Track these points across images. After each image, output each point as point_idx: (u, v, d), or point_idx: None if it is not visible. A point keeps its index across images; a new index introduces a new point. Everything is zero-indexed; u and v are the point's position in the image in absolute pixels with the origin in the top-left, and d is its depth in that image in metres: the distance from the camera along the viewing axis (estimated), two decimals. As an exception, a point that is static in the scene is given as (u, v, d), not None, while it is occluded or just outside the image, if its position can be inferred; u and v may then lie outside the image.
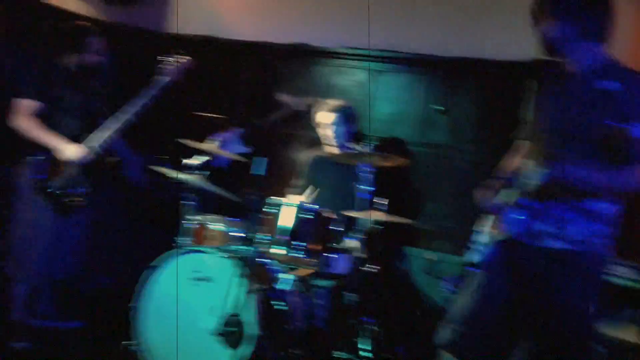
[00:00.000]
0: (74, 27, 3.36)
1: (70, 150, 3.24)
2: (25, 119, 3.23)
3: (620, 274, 3.13)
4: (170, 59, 3.42)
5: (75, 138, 3.29)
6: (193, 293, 3.03)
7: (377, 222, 3.38)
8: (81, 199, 3.32)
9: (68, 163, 3.25)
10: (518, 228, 2.28)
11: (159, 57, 3.39)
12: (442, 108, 4.04)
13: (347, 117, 3.85)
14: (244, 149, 4.50)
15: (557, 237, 2.20)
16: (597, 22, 2.15)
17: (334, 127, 3.79)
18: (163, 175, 3.49)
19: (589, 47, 2.17)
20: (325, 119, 3.82)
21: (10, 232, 3.42)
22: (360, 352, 3.07)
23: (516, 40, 3.99)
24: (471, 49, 4.11)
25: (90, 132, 3.32)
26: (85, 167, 3.30)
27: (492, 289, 2.34)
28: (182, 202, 3.40)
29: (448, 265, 3.92)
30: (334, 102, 3.88)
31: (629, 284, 3.09)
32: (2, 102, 3.37)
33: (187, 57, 3.46)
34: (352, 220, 3.38)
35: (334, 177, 3.86)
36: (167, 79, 3.39)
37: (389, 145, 4.21)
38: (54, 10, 4.27)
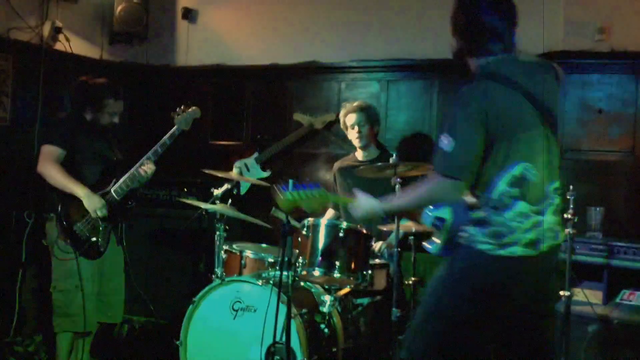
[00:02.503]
0: (94, 86, 3.43)
1: (93, 201, 3.29)
2: (50, 164, 3.29)
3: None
4: (180, 110, 3.50)
5: (95, 187, 3.36)
6: (236, 324, 3.03)
7: (410, 233, 3.37)
8: (104, 240, 3.37)
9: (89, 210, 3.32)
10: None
11: (172, 113, 3.48)
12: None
13: (370, 116, 3.85)
14: (263, 174, 4.52)
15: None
16: (473, 41, 2.28)
17: (358, 127, 3.80)
18: (192, 207, 3.51)
19: (472, 62, 2.30)
20: (349, 119, 3.83)
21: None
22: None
23: (530, 35, 4.01)
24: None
25: (108, 181, 3.39)
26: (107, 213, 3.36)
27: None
28: (215, 232, 3.40)
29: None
30: (355, 103, 3.88)
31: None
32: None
33: (195, 107, 3.54)
34: (385, 234, 3.37)
35: (360, 185, 3.85)
36: (179, 129, 3.47)
37: (411, 154, 4.20)
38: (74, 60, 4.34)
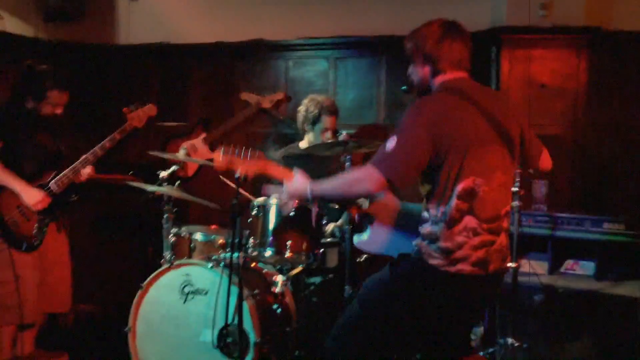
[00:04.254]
0: (39, 75, 3.27)
1: (30, 195, 3.19)
2: None
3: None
4: (134, 107, 3.40)
5: (33, 179, 3.25)
6: (187, 308, 2.97)
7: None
8: (40, 233, 3.27)
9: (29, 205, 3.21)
10: None
11: (124, 109, 3.38)
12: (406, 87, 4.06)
13: (338, 116, 3.79)
14: (211, 155, 4.43)
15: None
16: (435, 65, 2.31)
17: (331, 132, 3.73)
18: (139, 191, 3.41)
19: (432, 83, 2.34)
20: (329, 123, 3.71)
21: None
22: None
23: (476, 11, 4.05)
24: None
25: (50, 174, 3.29)
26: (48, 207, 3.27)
27: None
28: (162, 215, 3.32)
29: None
30: (332, 103, 3.77)
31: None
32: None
33: (151, 104, 3.43)
34: (336, 212, 3.36)
35: (307, 171, 3.82)
36: (132, 125, 3.40)
37: (360, 131, 4.19)
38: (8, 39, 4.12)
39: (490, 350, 3.29)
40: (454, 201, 2.14)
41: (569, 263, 3.49)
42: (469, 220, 2.14)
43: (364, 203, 2.64)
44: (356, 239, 2.66)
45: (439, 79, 2.28)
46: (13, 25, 4.31)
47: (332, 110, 3.70)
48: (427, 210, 2.21)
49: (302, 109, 3.77)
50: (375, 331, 2.26)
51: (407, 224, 2.52)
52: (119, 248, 4.18)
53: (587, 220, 3.37)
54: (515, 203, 3.18)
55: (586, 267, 3.41)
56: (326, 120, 3.69)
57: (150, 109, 3.48)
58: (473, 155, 2.15)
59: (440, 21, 2.32)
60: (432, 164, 2.14)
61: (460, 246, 2.14)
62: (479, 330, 3.45)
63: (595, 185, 4.01)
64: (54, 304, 3.48)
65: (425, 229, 2.20)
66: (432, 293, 2.19)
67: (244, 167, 2.51)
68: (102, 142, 3.34)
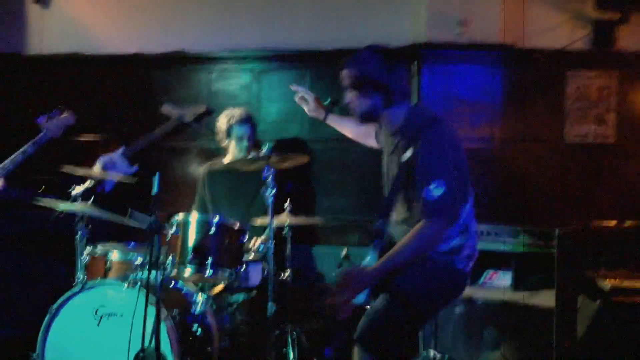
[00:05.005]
0: None
1: None
2: None
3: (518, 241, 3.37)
4: (52, 115, 3.23)
5: None
6: (101, 331, 2.83)
7: (282, 226, 3.32)
8: None
9: None
10: None
11: (40, 116, 3.26)
12: (330, 100, 4.08)
13: (254, 126, 3.76)
14: (130, 169, 4.27)
15: None
16: (388, 94, 2.41)
17: (245, 140, 3.68)
18: (50, 209, 3.22)
19: (393, 111, 2.45)
20: (236, 131, 3.68)
21: None
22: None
23: (397, 27, 4.11)
24: (354, 39, 4.11)
25: None
26: None
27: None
28: (75, 234, 3.15)
29: (359, 257, 3.95)
30: (241, 113, 3.74)
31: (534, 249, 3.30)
32: None
33: (70, 112, 3.26)
34: (257, 229, 3.30)
35: (231, 187, 3.76)
36: (48, 135, 3.27)
37: (284, 145, 4.15)
38: None
39: (415, 360, 3.32)
40: (464, 212, 2.41)
41: (488, 273, 3.56)
42: (475, 226, 2.51)
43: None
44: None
45: (395, 111, 2.40)
46: None
47: (244, 119, 3.71)
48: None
49: (217, 123, 3.74)
50: (407, 320, 2.40)
51: None
52: (29, 268, 3.94)
53: (504, 231, 3.45)
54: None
55: (504, 278, 3.49)
56: (237, 130, 3.69)
57: (67, 118, 3.32)
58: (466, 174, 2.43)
59: (379, 49, 2.40)
60: None
61: (475, 248, 2.51)
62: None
63: (514, 196, 4.13)
64: None
65: (453, 244, 2.42)
66: (458, 290, 2.55)
67: None
68: (15, 154, 3.15)
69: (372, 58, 2.35)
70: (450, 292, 2.55)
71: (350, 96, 2.41)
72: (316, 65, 4.26)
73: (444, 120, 2.40)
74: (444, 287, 2.49)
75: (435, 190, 2.22)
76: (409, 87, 2.42)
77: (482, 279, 3.49)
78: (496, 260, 3.49)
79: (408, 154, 2.32)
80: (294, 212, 3.34)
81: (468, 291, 3.40)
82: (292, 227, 3.35)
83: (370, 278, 2.25)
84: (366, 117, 2.44)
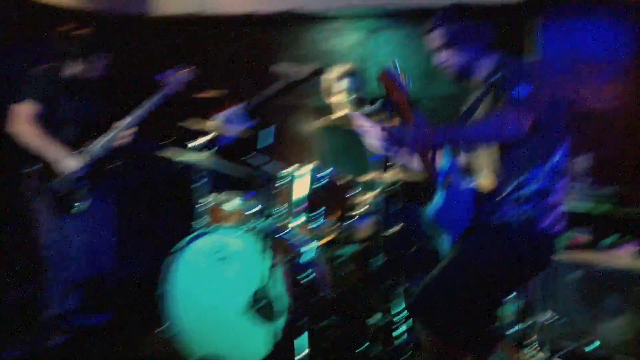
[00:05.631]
0: (75, 39, 3.29)
1: (68, 162, 3.22)
2: (26, 124, 3.16)
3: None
4: (172, 71, 3.39)
5: (74, 146, 3.28)
6: (219, 273, 2.98)
7: (393, 182, 3.32)
8: (84, 197, 3.30)
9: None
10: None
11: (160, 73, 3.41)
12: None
13: (357, 81, 3.74)
14: (248, 124, 4.41)
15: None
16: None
17: (347, 94, 3.69)
18: (171, 160, 3.42)
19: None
20: (339, 85, 3.71)
21: (32, 238, 3.43)
22: (395, 316, 3.03)
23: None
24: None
25: (89, 140, 3.32)
26: (86, 173, 3.30)
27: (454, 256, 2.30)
28: (194, 184, 3.33)
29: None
30: (341, 68, 3.75)
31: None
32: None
33: (189, 68, 3.41)
34: (368, 183, 3.31)
35: (343, 143, 3.78)
36: (168, 91, 3.41)
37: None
38: (49, 9, 4.13)
39: (528, 323, 3.24)
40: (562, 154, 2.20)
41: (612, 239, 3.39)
42: (566, 178, 2.26)
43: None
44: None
45: (486, 63, 2.31)
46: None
47: (346, 73, 3.65)
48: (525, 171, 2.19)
49: (322, 80, 3.77)
50: (478, 289, 2.23)
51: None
52: (156, 215, 4.23)
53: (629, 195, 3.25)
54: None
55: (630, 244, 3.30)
56: (340, 85, 3.66)
57: (186, 74, 3.48)
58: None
59: (462, 5, 2.37)
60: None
61: (560, 197, 2.22)
62: (518, 303, 3.38)
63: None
64: (99, 265, 3.61)
65: (530, 188, 2.18)
66: (542, 254, 2.25)
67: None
68: (141, 107, 3.35)
69: (458, 14, 2.35)
70: (530, 261, 2.25)
71: (444, 56, 2.38)
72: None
73: (544, 65, 2.31)
74: (518, 256, 2.22)
75: (522, 91, 2.08)
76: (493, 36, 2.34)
77: (605, 244, 3.32)
78: (621, 226, 3.31)
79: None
80: (404, 169, 3.32)
81: (589, 255, 3.27)
82: (404, 184, 3.33)
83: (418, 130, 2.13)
84: (464, 74, 2.38)
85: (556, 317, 3.10)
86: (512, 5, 3.95)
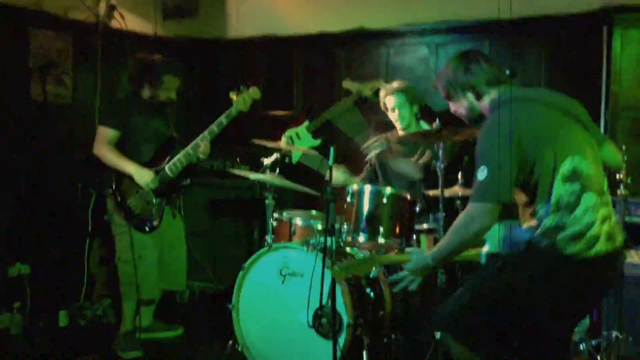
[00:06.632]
0: (151, 63, 3.54)
1: (142, 176, 3.45)
2: (103, 146, 3.46)
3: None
4: (239, 91, 3.60)
5: (151, 163, 3.52)
6: (284, 289, 3.13)
7: (455, 198, 3.35)
8: (158, 214, 3.53)
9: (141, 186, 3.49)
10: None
11: (230, 92, 3.61)
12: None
13: (410, 97, 3.79)
14: (314, 142, 4.56)
15: None
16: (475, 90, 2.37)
17: (398, 110, 3.75)
18: (241, 177, 3.62)
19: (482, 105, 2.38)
20: (389, 102, 3.79)
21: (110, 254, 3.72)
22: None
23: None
24: (536, 5, 3.97)
25: (163, 158, 3.55)
26: (159, 188, 3.52)
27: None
28: (263, 201, 3.50)
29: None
30: (394, 85, 3.81)
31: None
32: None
33: (255, 87, 3.62)
34: (430, 200, 3.37)
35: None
36: (237, 110, 3.59)
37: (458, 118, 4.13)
38: (129, 37, 4.45)
39: (595, 342, 3.19)
40: (561, 187, 2.13)
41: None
42: (589, 199, 2.13)
43: None
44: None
45: (485, 101, 2.33)
46: (133, 23, 4.64)
47: (396, 90, 3.70)
48: (535, 213, 2.19)
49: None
50: (498, 316, 2.25)
51: None
52: (228, 231, 4.43)
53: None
54: (621, 191, 3.04)
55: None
56: (390, 101, 3.72)
57: (254, 92, 3.65)
58: (560, 139, 2.18)
59: (457, 54, 2.43)
60: (525, 168, 2.16)
61: (590, 226, 2.12)
62: (585, 322, 3.33)
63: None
64: (171, 281, 3.79)
65: (545, 226, 2.15)
66: (569, 281, 2.15)
67: (360, 270, 2.69)
68: (210, 126, 3.55)
69: (449, 64, 2.41)
70: (560, 284, 2.15)
71: (452, 107, 2.47)
72: (495, 36, 4.16)
73: (518, 100, 2.24)
74: (544, 278, 2.15)
75: (479, 174, 2.15)
76: (495, 71, 2.33)
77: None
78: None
79: None
80: (466, 184, 3.35)
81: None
82: (464, 199, 3.36)
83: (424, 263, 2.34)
84: (474, 119, 2.42)
85: (623, 336, 3.04)
86: (584, 13, 3.88)
